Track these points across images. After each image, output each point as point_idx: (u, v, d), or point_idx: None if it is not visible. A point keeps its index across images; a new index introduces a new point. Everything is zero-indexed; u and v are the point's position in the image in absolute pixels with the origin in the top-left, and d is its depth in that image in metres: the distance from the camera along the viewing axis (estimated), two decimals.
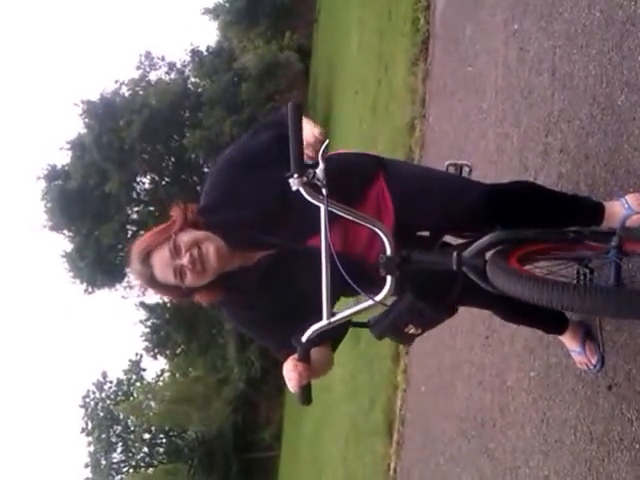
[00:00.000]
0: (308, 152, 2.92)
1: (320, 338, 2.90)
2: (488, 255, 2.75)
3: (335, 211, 2.73)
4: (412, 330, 2.85)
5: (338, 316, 2.78)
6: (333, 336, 3.11)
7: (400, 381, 8.36)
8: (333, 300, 2.85)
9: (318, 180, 2.67)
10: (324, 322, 2.77)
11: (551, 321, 3.90)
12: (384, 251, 2.72)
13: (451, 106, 7.55)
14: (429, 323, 2.88)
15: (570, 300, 2.23)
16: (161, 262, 3.06)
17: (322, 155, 2.72)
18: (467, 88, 6.93)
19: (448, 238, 3.54)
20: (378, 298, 2.71)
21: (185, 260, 3.01)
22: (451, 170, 3.61)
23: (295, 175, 2.63)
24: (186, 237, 3.04)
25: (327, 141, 2.86)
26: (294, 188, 2.65)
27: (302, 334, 2.89)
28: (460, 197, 3.31)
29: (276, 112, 3.38)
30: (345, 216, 2.78)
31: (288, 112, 2.63)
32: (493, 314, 4.01)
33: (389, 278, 2.69)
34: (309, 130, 3.01)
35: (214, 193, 3.25)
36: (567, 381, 4.06)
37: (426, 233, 3.43)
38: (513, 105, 5.47)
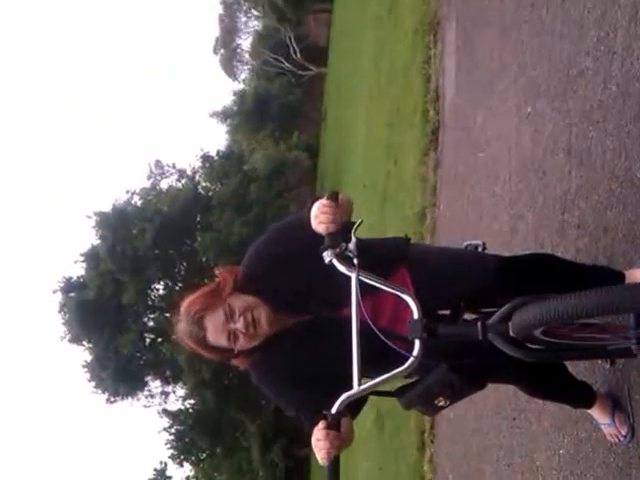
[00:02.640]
0: (322, 228, 2.98)
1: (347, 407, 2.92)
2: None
3: (366, 280, 2.85)
4: (442, 402, 2.90)
5: (368, 384, 2.81)
6: (353, 406, 3.07)
7: (427, 471, 8.22)
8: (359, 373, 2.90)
9: (350, 252, 2.86)
10: (355, 390, 2.80)
11: (578, 395, 3.87)
12: (411, 315, 2.77)
13: (463, 193, 7.62)
14: (459, 395, 2.93)
15: (598, 300, 2.38)
16: (215, 325, 3.15)
17: (354, 232, 2.92)
18: (479, 174, 7.01)
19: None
20: (407, 364, 2.73)
21: (240, 324, 3.13)
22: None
23: (328, 248, 2.85)
24: (239, 302, 3.16)
25: (361, 220, 3.04)
26: (327, 260, 2.85)
27: (330, 403, 2.90)
28: (476, 268, 3.37)
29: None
30: (375, 284, 2.88)
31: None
32: (518, 389, 3.97)
33: (417, 342, 2.73)
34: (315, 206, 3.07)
35: (258, 264, 3.34)
36: (598, 455, 4.01)
37: (446, 312, 3.42)
38: (527, 186, 5.51)
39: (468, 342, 2.84)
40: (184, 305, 3.23)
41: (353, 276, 2.84)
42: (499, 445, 5.58)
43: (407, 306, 2.87)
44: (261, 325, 3.15)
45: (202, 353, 3.31)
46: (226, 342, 3.17)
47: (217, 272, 3.31)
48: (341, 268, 2.85)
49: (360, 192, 17.72)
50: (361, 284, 2.89)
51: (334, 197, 3.00)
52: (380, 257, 3.26)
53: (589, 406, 3.87)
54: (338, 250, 2.86)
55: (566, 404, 4.04)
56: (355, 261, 2.85)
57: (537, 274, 3.36)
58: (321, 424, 2.86)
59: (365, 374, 2.93)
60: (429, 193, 9.27)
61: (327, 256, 2.86)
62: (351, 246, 2.88)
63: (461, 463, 6.79)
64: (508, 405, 5.40)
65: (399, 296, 2.87)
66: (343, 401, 2.83)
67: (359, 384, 2.80)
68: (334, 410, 2.83)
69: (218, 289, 3.22)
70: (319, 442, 2.86)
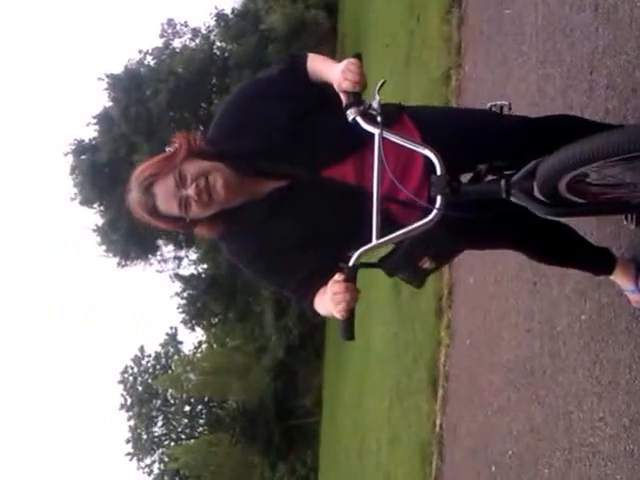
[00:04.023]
0: (347, 85, 2.92)
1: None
2: None
3: (390, 137, 2.85)
4: (427, 264, 2.86)
5: (387, 237, 2.77)
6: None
7: (444, 336, 8.29)
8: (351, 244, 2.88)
9: (374, 110, 2.85)
10: (374, 242, 2.78)
11: (595, 259, 3.79)
12: (434, 172, 2.73)
13: (489, 52, 7.41)
14: (444, 255, 2.91)
15: (625, 137, 2.36)
16: (165, 192, 3.01)
17: (378, 90, 2.89)
18: (505, 32, 6.77)
19: None
20: (430, 217, 2.70)
21: (191, 191, 2.97)
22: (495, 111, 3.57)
23: (353, 105, 2.86)
24: (192, 167, 3.00)
25: (384, 80, 2.97)
26: (350, 118, 2.85)
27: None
28: (495, 126, 3.33)
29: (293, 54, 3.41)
30: (399, 142, 2.86)
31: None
32: (534, 258, 3.89)
33: (439, 197, 2.70)
34: (341, 63, 3.01)
35: (224, 123, 3.23)
36: (621, 321, 3.97)
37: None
38: (555, 45, 5.32)
39: (489, 200, 2.81)
40: (135, 173, 3.09)
41: (377, 133, 2.84)
42: (518, 310, 5.57)
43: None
44: (217, 191, 2.99)
45: (154, 223, 3.16)
46: (177, 210, 3.02)
47: (175, 137, 3.12)
48: (365, 126, 2.84)
49: (383, 52, 17.34)
50: (348, 144, 3.05)
51: (359, 57, 2.96)
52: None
53: (610, 271, 3.78)
54: (362, 108, 2.86)
55: (586, 270, 3.96)
56: (379, 119, 2.84)
57: (560, 132, 3.18)
58: (338, 276, 2.79)
59: (354, 240, 2.89)
60: (454, 53, 9.02)
61: (351, 114, 2.86)
62: (375, 104, 2.86)
63: (479, 329, 6.79)
64: (529, 269, 5.36)
65: (421, 153, 2.83)
66: (361, 253, 2.79)
67: (378, 237, 2.76)
68: (351, 263, 2.78)
69: (173, 154, 3.05)
70: (337, 295, 2.77)
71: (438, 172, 2.72)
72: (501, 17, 6.93)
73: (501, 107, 3.48)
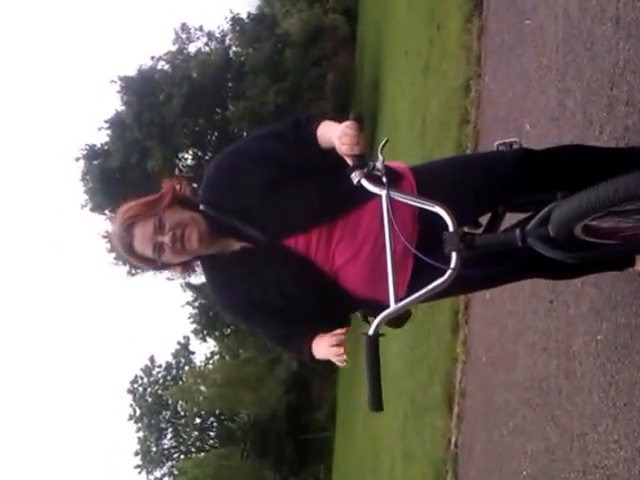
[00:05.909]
0: (346, 149, 2.96)
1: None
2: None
3: (397, 197, 2.86)
4: None
5: (406, 300, 2.75)
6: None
7: (460, 353, 8.22)
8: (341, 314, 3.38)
9: (379, 171, 2.87)
10: (392, 308, 2.75)
11: (615, 258, 3.62)
12: (447, 228, 2.70)
13: (509, 63, 7.34)
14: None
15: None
16: (143, 235, 3.20)
17: (380, 150, 2.89)
18: (525, 43, 6.70)
19: None
20: (445, 277, 2.65)
21: (167, 238, 3.17)
22: (502, 149, 3.53)
23: (356, 168, 2.87)
24: (172, 216, 3.20)
25: (387, 139, 2.99)
26: (355, 181, 2.87)
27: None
28: (494, 176, 3.28)
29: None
30: (406, 201, 2.89)
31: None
32: (562, 279, 3.91)
33: (454, 254, 2.66)
34: (339, 127, 3.04)
35: (216, 177, 3.37)
36: (637, 342, 3.89)
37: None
38: (575, 58, 5.24)
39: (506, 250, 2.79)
40: (121, 209, 3.28)
41: (383, 194, 2.85)
42: (535, 328, 5.50)
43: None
44: (190, 242, 3.19)
45: (128, 259, 3.34)
46: (151, 252, 3.22)
47: (163, 182, 3.30)
48: (370, 188, 2.87)
49: (402, 60, 17.34)
50: (318, 216, 3.15)
51: (358, 119, 3.00)
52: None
53: (632, 263, 3.65)
54: (366, 170, 2.87)
55: (610, 270, 3.87)
56: (384, 179, 2.86)
57: (567, 162, 3.27)
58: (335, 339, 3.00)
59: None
60: (474, 63, 8.98)
61: (355, 177, 2.88)
62: (379, 165, 2.88)
63: (495, 346, 6.73)
64: (545, 287, 5.28)
65: (431, 210, 2.78)
66: (381, 320, 2.75)
67: (396, 301, 2.74)
68: (371, 331, 2.73)
69: (158, 200, 3.25)
70: (331, 348, 3.04)
71: (450, 228, 2.68)
72: (522, 27, 6.87)
73: (511, 145, 3.46)
